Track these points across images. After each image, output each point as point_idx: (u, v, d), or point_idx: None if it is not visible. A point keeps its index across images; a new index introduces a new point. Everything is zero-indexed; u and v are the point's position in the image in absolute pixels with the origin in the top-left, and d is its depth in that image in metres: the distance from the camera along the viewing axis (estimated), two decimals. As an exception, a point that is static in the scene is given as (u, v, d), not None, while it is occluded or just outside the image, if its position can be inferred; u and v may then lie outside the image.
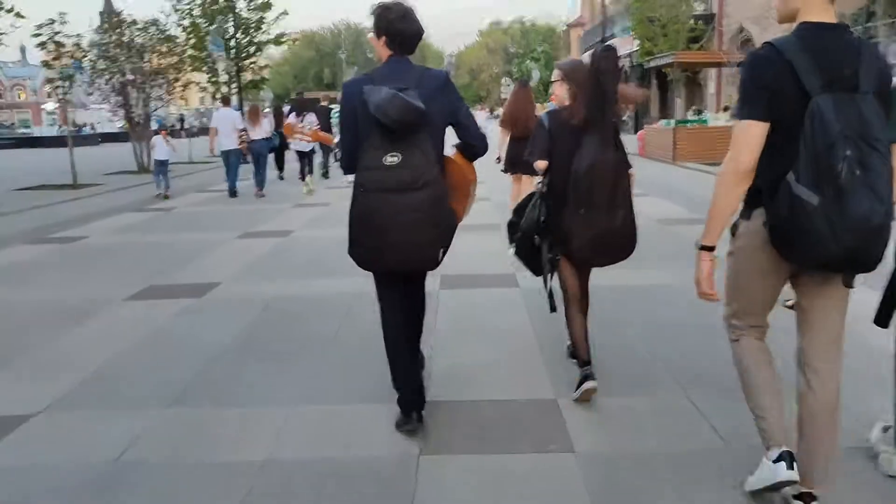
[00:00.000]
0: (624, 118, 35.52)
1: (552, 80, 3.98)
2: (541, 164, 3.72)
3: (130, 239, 9.39)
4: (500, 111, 51.20)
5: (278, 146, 16.42)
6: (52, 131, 49.29)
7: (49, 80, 17.39)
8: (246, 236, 9.27)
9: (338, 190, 13.74)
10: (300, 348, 4.78)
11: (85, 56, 19.20)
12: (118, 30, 20.02)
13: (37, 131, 55.40)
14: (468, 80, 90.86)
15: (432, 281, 4.31)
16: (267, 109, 22.21)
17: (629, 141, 25.05)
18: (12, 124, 66.71)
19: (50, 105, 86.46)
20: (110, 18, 20.75)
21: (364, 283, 4.12)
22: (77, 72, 19.92)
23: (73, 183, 16.36)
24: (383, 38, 3.26)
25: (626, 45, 31.98)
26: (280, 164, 17.63)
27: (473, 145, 3.44)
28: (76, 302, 6.06)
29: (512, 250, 4.05)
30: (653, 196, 11.68)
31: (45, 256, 8.28)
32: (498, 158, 8.64)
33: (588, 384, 3.66)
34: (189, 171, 20.47)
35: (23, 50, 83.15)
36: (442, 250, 3.21)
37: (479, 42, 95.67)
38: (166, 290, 6.46)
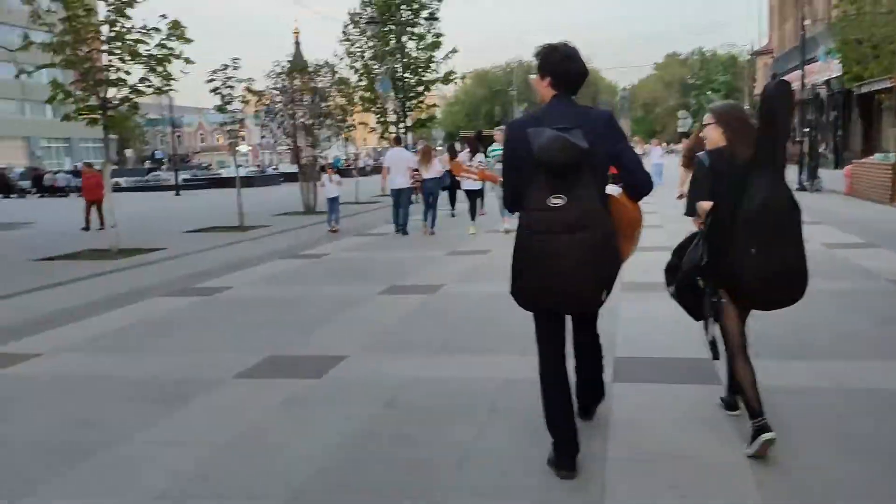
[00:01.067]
0: (822, 150, 32.18)
1: (704, 122, 3.87)
2: (704, 206, 3.56)
3: (271, 292, 8.71)
4: (672, 146, 48.64)
5: (450, 185, 16.72)
6: (241, 172, 52.44)
7: (222, 124, 17.80)
8: (390, 291, 8.29)
9: (498, 235, 12.60)
10: (424, 464, 3.58)
11: (272, 101, 20.11)
12: (307, 76, 20.67)
13: (226, 172, 59.10)
14: (642, 113, 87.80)
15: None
16: (440, 147, 22.22)
17: (833, 177, 22.26)
18: (209, 166, 72.26)
19: (243, 147, 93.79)
20: (297, 66, 21.37)
21: (514, 364, 4.21)
22: (264, 116, 20.79)
23: (240, 225, 16.49)
24: (548, 79, 3.33)
25: (823, 72, 28.74)
26: (452, 202, 17.76)
27: (637, 186, 3.40)
28: (181, 377, 5.24)
29: (671, 291, 3.94)
30: (874, 247, 9.55)
31: (177, 313, 7.71)
32: (680, 195, 7.28)
33: (765, 436, 3.37)
34: (355, 211, 20.27)
35: (244, 99, 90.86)
36: (605, 291, 3.20)
37: (655, 75, 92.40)
38: (285, 365, 5.51)
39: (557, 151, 3.00)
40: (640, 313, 6.46)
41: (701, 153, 3.71)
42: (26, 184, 38.35)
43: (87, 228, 16.67)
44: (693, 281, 3.70)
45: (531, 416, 3.86)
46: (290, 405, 4.57)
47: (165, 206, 26.51)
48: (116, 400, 4.82)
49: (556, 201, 3.05)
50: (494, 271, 9.40)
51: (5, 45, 11.02)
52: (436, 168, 14.56)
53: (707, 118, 3.85)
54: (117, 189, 41.04)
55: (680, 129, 56.70)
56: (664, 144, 57.95)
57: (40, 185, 37.03)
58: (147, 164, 68.20)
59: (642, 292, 7.06)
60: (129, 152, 74.93)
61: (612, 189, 3.47)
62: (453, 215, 17.09)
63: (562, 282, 3.11)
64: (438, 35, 26.78)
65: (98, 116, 12.67)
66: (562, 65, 3.28)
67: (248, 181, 40.59)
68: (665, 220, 12.57)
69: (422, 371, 5.16)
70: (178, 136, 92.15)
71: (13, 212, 25.36)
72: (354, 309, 7.43)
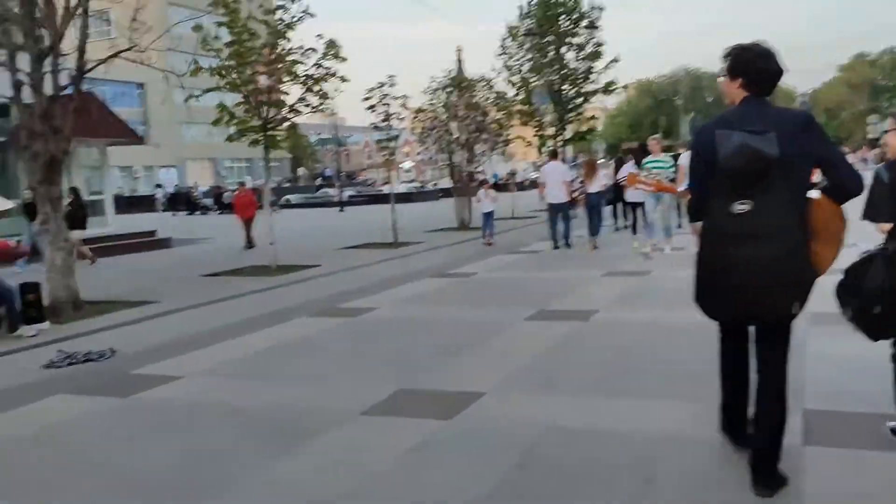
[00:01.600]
0: None
1: (886, 129, 3.67)
2: (884, 227, 3.43)
3: (414, 313, 8.36)
4: (864, 153, 44.26)
5: (614, 198, 16.49)
6: (402, 188, 53.68)
7: (378, 142, 17.98)
8: (538, 317, 7.67)
9: (660, 255, 11.61)
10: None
11: (434, 117, 20.31)
12: (466, 91, 20.67)
13: (387, 189, 60.94)
14: (825, 119, 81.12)
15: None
16: (602, 160, 21.63)
17: None
18: (373, 182, 74.86)
19: (406, 164, 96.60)
20: (458, 81, 21.40)
21: (680, 414, 3.86)
22: (422, 133, 21.06)
23: (393, 241, 16.51)
24: (739, 80, 3.20)
25: None
26: (616, 216, 17.53)
27: (844, 185, 3.12)
28: (307, 408, 4.93)
29: (847, 316, 3.53)
30: None
31: (319, 335, 7.53)
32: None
33: None
34: (510, 226, 19.82)
35: (397, 116, 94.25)
36: (797, 303, 3.04)
37: (839, 77, 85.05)
38: (414, 402, 5.06)
39: (743, 162, 2.91)
40: (832, 351, 5.42)
41: (879, 165, 3.41)
42: (209, 201, 41.28)
43: (250, 246, 17.32)
44: (872, 309, 3.40)
45: (697, 492, 3.13)
46: (413, 455, 4.07)
47: (328, 223, 27.36)
48: (237, 434, 4.56)
49: (741, 208, 2.97)
50: (657, 296, 8.55)
51: (175, 71, 11.54)
52: (600, 181, 14.23)
53: (889, 123, 3.61)
54: (288, 206, 43.52)
55: (870, 136, 51.73)
56: (850, 151, 52.98)
57: (220, 202, 39.70)
58: (318, 182, 71.70)
59: (832, 325, 5.98)
60: (301, 170, 79.24)
61: (810, 193, 3.21)
62: (617, 229, 16.65)
63: (746, 290, 3.04)
64: (599, 44, 25.82)
65: (259, 137, 13.05)
66: (756, 64, 3.16)
67: (406, 197, 41.48)
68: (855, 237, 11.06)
69: (565, 417, 4.50)
70: (346, 154, 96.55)
71: (195, 228, 27.17)
72: (497, 336, 6.88)
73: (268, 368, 6.24)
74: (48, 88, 9.40)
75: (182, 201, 42.40)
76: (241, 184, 20.92)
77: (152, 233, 19.55)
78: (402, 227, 17.19)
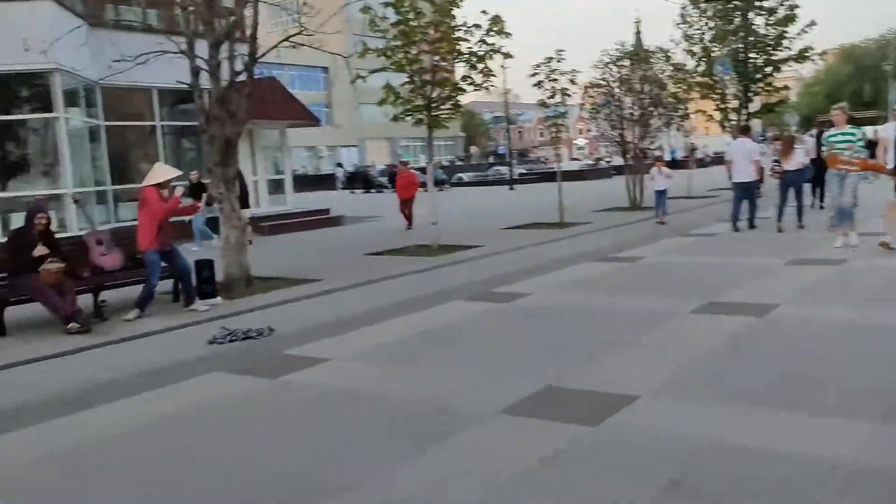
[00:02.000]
0: None
1: None
2: None
3: (571, 301, 7.91)
4: None
5: (814, 177, 15.06)
6: (574, 165, 52.56)
7: (545, 119, 17.45)
8: (707, 309, 6.97)
9: (874, 237, 10.25)
10: None
11: (608, 90, 19.56)
12: (641, 64, 19.71)
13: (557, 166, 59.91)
14: None
15: None
16: (799, 134, 19.88)
17: None
18: (546, 160, 74.03)
19: (580, 141, 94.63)
20: (634, 53, 20.43)
21: (873, 439, 3.29)
22: (593, 108, 20.36)
23: (559, 222, 16.02)
24: None
25: None
26: (816, 195, 15.93)
27: None
28: (443, 404, 4.68)
29: None
30: None
31: (470, 321, 7.30)
32: None
33: None
34: (685, 206, 18.63)
35: (564, 91, 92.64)
36: None
37: None
38: (559, 401, 4.68)
39: None
40: None
41: None
42: (384, 180, 42.63)
43: (410, 227, 17.40)
44: None
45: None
46: (549, 465, 3.71)
47: (497, 202, 27.23)
48: (372, 427, 4.41)
49: None
50: (850, 290, 7.52)
51: (348, 54, 11.78)
52: (797, 159, 13.03)
53: None
54: (460, 184, 43.99)
55: None
56: None
57: (394, 180, 40.96)
58: (490, 160, 72.03)
59: None
60: (473, 148, 79.98)
61: None
62: (821, 207, 15.09)
63: None
64: (793, 7, 23.47)
65: (423, 117, 13.04)
66: None
67: (578, 175, 40.47)
68: None
69: (730, 432, 3.93)
70: (519, 131, 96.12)
71: (369, 206, 28.07)
72: (659, 330, 6.30)
73: (413, 355, 6.09)
74: (224, 74, 9.85)
75: (360, 180, 44.11)
76: (403, 163, 20.77)
77: (326, 211, 20.36)
78: (571, 206, 16.65)
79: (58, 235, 8.83)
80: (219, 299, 8.87)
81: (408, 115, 13.06)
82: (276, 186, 20.17)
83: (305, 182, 47.19)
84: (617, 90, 19.81)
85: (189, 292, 8.51)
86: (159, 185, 8.29)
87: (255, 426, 4.60)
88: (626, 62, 20.03)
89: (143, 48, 9.76)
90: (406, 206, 17.66)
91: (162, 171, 8.51)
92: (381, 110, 13.51)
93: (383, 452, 3.99)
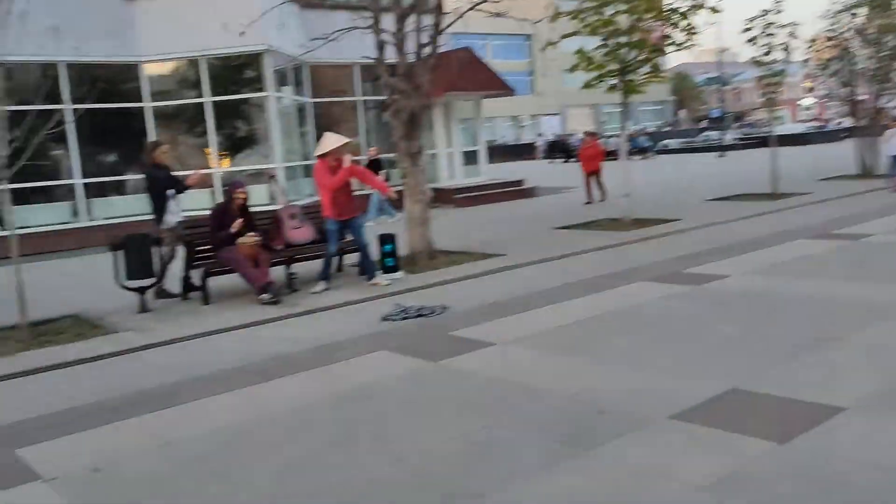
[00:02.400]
0: None
1: None
2: None
3: (772, 287, 7.01)
4: None
5: None
6: (797, 129, 47.84)
7: (759, 78, 15.80)
8: (947, 303, 5.83)
9: None
10: None
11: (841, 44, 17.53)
12: (885, 11, 17.36)
13: (784, 129, 54.87)
14: None
15: None
16: None
17: None
18: (764, 122, 68.31)
19: (807, 101, 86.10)
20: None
21: None
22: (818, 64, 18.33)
23: (772, 192, 14.52)
24: None
25: None
26: None
27: None
28: (609, 403, 4.24)
29: None
30: None
31: (651, 306, 6.69)
32: None
33: None
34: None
35: (786, 48, 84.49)
36: None
37: None
38: (743, 409, 4.05)
39: None
40: None
41: None
42: (583, 148, 41.59)
43: (589, 202, 16.36)
44: None
45: None
46: (715, 491, 3.17)
47: (704, 170, 25.44)
48: (528, 423, 4.09)
49: None
50: None
51: (531, 19, 11.34)
52: None
53: None
54: (665, 151, 41.75)
55: None
56: None
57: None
58: (702, 124, 67.77)
59: None
60: (682, 113, 75.73)
61: None
62: None
63: None
64: None
65: (617, 82, 12.28)
66: None
67: (802, 139, 36.82)
68: None
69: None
70: (737, 93, 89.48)
71: (566, 177, 27.41)
72: (879, 327, 5.35)
73: (583, 342, 5.67)
74: (410, 47, 9.84)
75: (559, 149, 43.34)
76: (591, 134, 19.32)
77: (519, 182, 20.10)
78: (790, 174, 15.08)
79: (257, 209, 9.34)
80: (400, 274, 8.94)
81: (600, 82, 12.36)
82: (470, 158, 20.20)
83: (505, 152, 47.28)
84: (850, 42, 17.55)
85: (367, 266, 8.64)
86: (325, 156, 8.36)
87: (412, 410, 4.47)
88: (863, 9, 17.64)
89: (344, 25, 10.00)
90: (592, 179, 16.73)
91: (327, 141, 8.45)
92: (585, 77, 12.82)
93: (537, 452, 3.67)
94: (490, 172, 21.14)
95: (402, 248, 9.56)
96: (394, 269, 8.95)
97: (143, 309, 7.80)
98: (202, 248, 8.20)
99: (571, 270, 8.65)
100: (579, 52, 12.45)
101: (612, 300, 6.95)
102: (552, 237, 11.54)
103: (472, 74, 18.62)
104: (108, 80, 15.08)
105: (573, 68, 12.46)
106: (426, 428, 4.17)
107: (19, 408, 5.06)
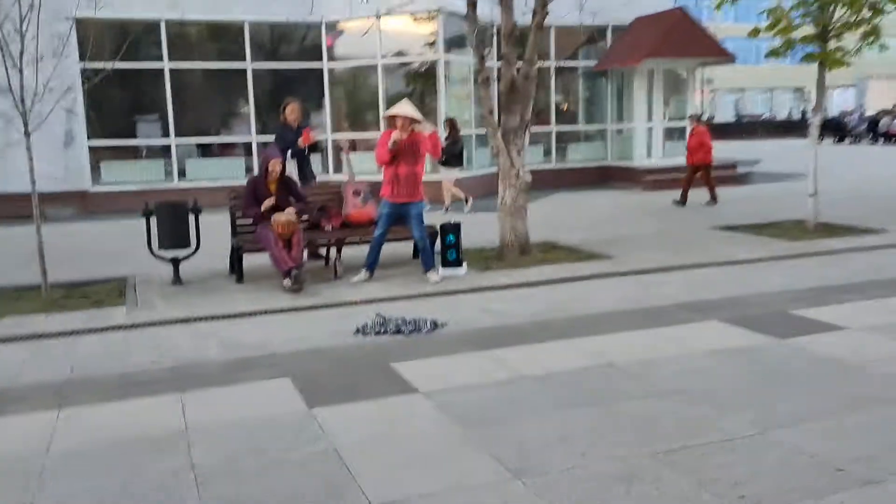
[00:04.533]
0: None
1: None
2: None
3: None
4: None
5: None
6: None
7: None
8: None
9: None
10: None
11: None
12: None
13: None
14: None
15: None
16: None
17: None
18: None
19: None
20: None
21: None
22: None
23: None
24: None
25: None
26: None
27: None
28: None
29: None
30: None
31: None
32: None
33: None
34: None
35: None
36: None
37: None
38: None
39: None
40: None
41: None
42: (863, 128, 35.24)
43: (682, 202, 12.98)
44: None
45: None
46: None
47: None
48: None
49: None
50: None
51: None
52: None
53: None
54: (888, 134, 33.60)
55: None
56: None
57: (875, 130, 33.48)
58: None
59: None
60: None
61: None
62: None
63: None
64: None
65: (817, 50, 9.62)
66: None
67: None
68: None
69: None
70: None
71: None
72: None
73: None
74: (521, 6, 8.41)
75: (833, 127, 37.29)
76: (695, 118, 14.10)
77: (733, 166, 17.26)
78: None
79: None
80: (463, 269, 7.74)
81: (789, 49, 9.75)
82: (678, 134, 17.74)
83: (768, 129, 42.09)
84: None
85: (424, 259, 7.54)
86: (391, 124, 7.23)
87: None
88: None
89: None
90: (697, 176, 13.10)
91: (397, 107, 7.32)
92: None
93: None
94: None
95: (494, 241, 8.43)
96: (456, 264, 7.77)
97: (177, 280, 7.51)
98: (243, 221, 7.67)
99: (662, 292, 6.79)
100: (773, 10, 9.95)
101: (649, 343, 5.17)
102: (701, 239, 9.43)
103: (683, 38, 16.16)
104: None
105: (753, 32, 9.99)
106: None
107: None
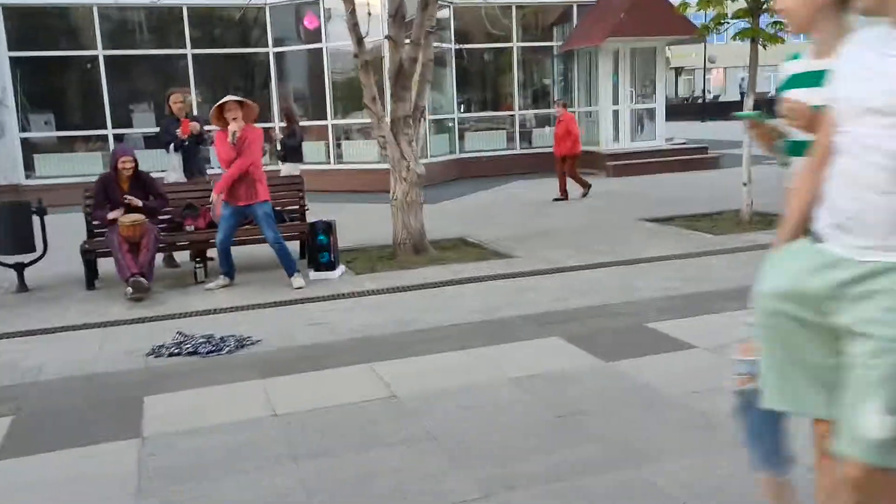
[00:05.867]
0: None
1: None
2: None
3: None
4: None
5: None
6: None
7: None
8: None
9: None
10: None
11: None
12: None
13: None
14: None
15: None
16: None
17: None
18: None
19: None
20: None
21: None
22: None
23: None
24: None
25: None
26: None
27: None
28: None
29: None
30: None
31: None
32: None
33: None
34: None
35: None
36: None
37: None
38: None
39: None
40: None
41: None
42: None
43: (563, 197, 11.89)
44: None
45: None
46: None
47: None
48: None
49: None
50: None
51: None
52: None
53: None
54: None
55: None
56: None
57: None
58: None
59: None
60: None
61: None
62: None
63: None
64: None
65: (748, 25, 8.76)
66: None
67: None
68: None
69: None
70: None
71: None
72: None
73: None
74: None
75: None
76: (560, 103, 12.50)
77: (704, 149, 16.36)
78: None
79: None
80: (337, 272, 7.10)
81: (719, 24, 8.91)
82: (647, 116, 16.83)
83: (771, 107, 40.61)
84: None
85: (284, 262, 6.87)
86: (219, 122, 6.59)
87: None
88: None
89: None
90: (562, 167, 11.91)
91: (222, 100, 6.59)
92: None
93: None
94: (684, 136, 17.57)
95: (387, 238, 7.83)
96: (329, 267, 7.13)
97: (22, 288, 6.95)
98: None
99: (528, 299, 6.09)
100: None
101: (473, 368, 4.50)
102: (623, 234, 8.68)
103: (647, 16, 15.24)
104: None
105: (681, 7, 9.15)
106: None
107: None
